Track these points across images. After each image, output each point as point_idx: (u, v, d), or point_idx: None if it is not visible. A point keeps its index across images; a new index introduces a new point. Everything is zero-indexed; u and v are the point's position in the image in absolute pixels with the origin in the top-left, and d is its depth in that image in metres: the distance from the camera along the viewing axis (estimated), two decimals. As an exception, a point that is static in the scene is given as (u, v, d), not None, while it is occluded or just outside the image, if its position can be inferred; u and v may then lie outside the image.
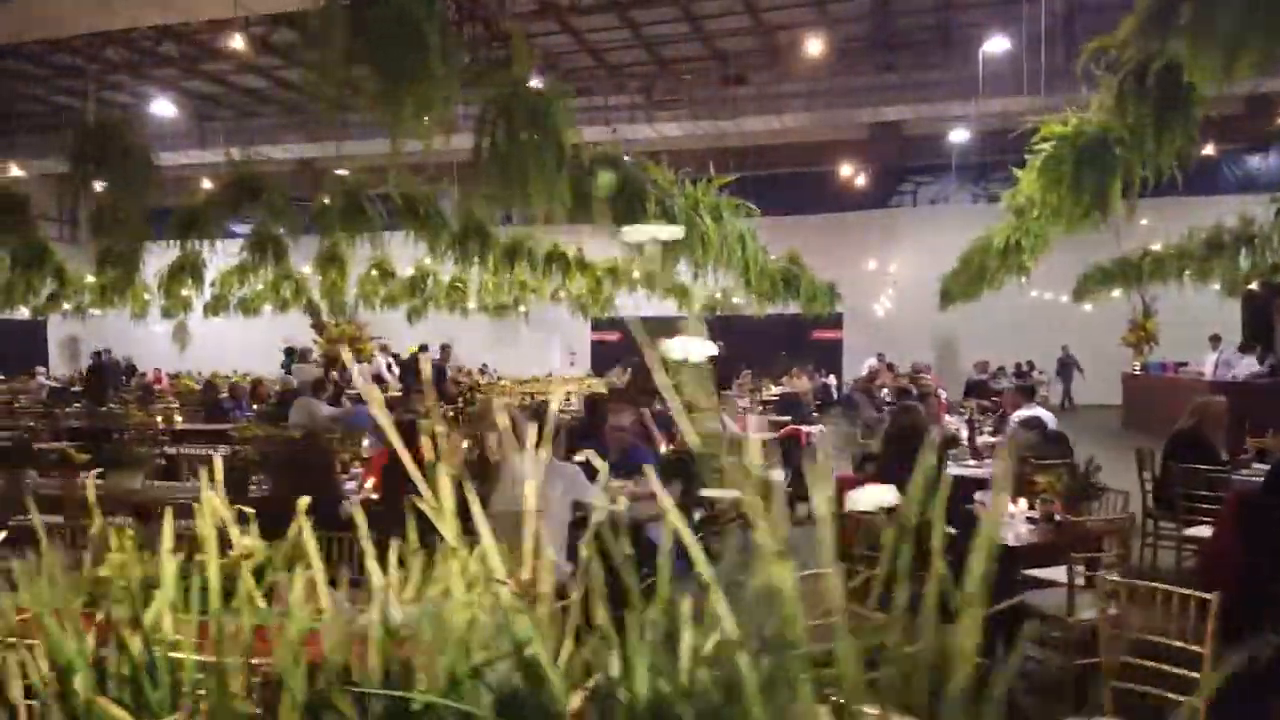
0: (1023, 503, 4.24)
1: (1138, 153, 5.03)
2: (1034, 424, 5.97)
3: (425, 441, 1.34)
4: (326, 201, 9.29)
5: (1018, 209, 9.43)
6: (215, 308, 19.50)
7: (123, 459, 5.47)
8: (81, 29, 14.55)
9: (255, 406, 11.21)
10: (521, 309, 20.01)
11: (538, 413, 7.14)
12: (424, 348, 15.45)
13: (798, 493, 8.67)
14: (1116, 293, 16.15)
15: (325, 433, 7.96)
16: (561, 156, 5.02)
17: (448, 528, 1.31)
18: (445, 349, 17.09)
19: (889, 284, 23.13)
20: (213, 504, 1.43)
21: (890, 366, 18.16)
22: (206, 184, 9.36)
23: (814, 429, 8.69)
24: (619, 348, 22.63)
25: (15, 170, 13.38)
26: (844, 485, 5.01)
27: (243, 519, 1.53)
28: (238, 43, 13.36)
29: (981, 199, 23.59)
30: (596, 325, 24.46)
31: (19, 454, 5.54)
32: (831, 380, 19.53)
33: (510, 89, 4.54)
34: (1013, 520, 4.08)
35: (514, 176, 4.69)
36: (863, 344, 22.96)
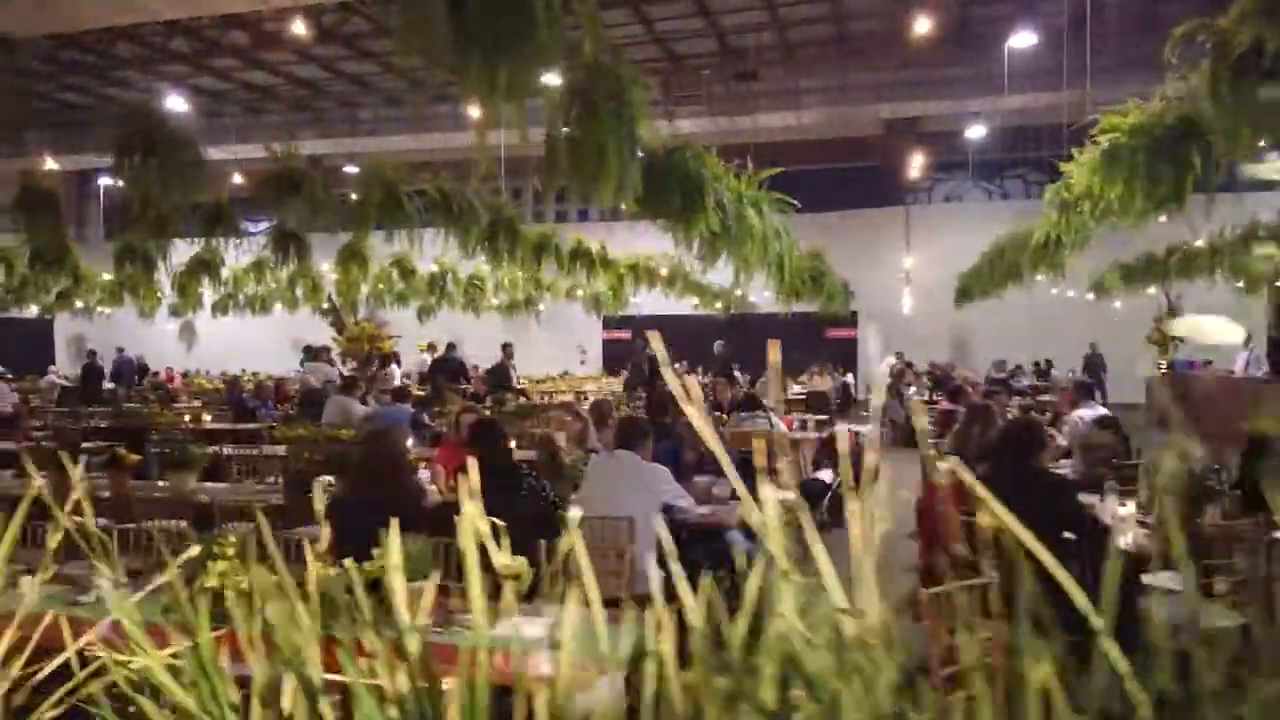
0: (1131, 505, 4.08)
1: (1231, 140, 4.86)
2: (1109, 423, 5.80)
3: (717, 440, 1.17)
4: (354, 196, 9.12)
5: (1062, 203, 9.30)
6: (224, 305, 19.32)
7: (176, 459, 5.28)
8: (96, 23, 14.33)
9: (281, 406, 11.03)
10: (541, 306, 19.83)
11: (600, 411, 6.98)
12: (452, 346, 15.25)
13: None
14: (1152, 289, 15.98)
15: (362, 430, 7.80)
16: (634, 146, 4.85)
17: (775, 545, 1.14)
18: (507, 347, 15.99)
19: (903, 282, 22.99)
20: (473, 518, 1.25)
21: (909, 365, 18.03)
22: (237, 179, 9.19)
23: (863, 429, 8.50)
24: (630, 346, 22.44)
25: (51, 163, 13.15)
26: (938, 490, 4.83)
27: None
28: (298, 28, 13.18)
29: (997, 196, 23.48)
30: (608, 324, 24.29)
31: (67, 453, 5.33)
32: (849, 379, 19.38)
33: (589, 71, 4.36)
34: (1124, 523, 3.91)
35: (588, 165, 4.51)
36: (877, 342, 22.83)
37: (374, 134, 22.10)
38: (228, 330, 23.52)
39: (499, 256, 10.47)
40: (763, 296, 18.14)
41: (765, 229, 9.18)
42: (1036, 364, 19.64)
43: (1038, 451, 3.81)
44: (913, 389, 14.54)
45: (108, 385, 19.27)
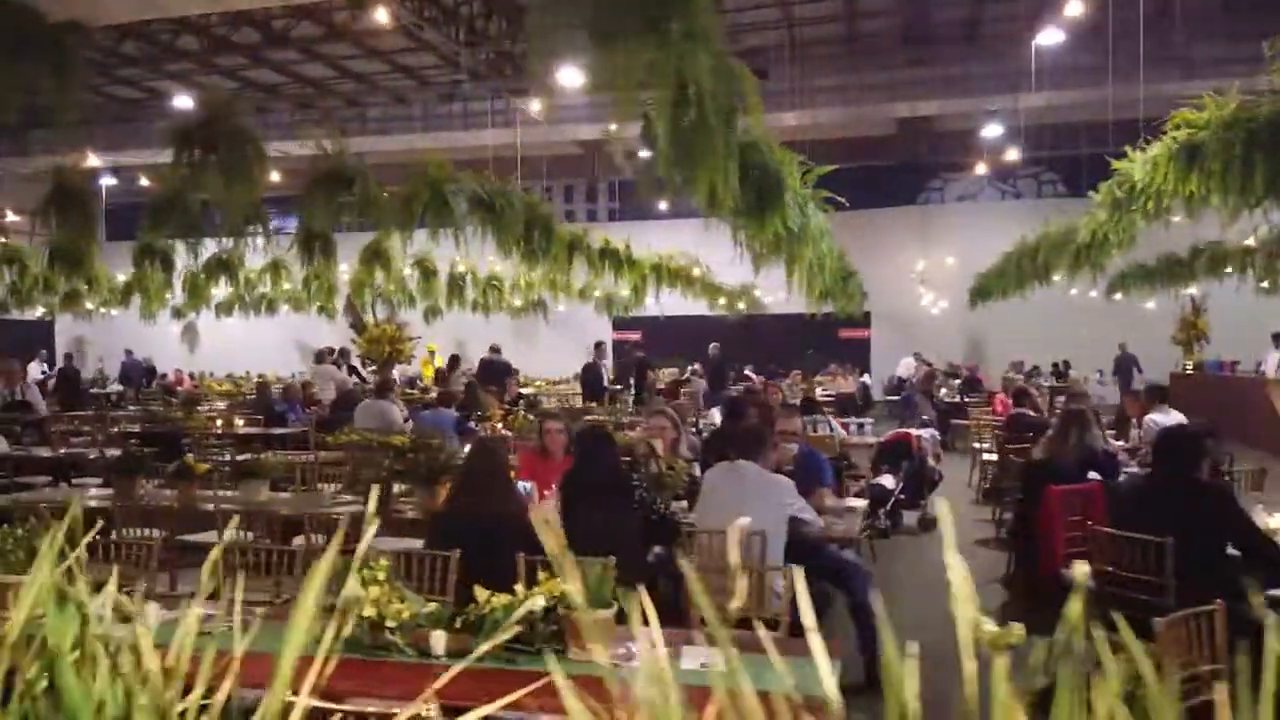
0: (1278, 516, 3.88)
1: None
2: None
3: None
4: (386, 195, 8.91)
5: (1115, 201, 9.13)
6: (229, 306, 19.06)
7: (249, 468, 5.03)
8: (114, 19, 14.02)
9: (309, 409, 10.77)
10: (561, 307, 19.59)
11: (682, 415, 6.75)
12: (496, 349, 14.98)
13: (911, 500, 8.25)
14: (1190, 290, 15.84)
15: (399, 434, 7.58)
16: (732, 139, 4.64)
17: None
18: (599, 347, 15.17)
19: (917, 281, 22.84)
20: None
21: (930, 366, 17.87)
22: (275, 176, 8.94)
23: (924, 433, 8.31)
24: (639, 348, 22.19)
25: (93, 159, 12.85)
26: (1079, 497, 4.63)
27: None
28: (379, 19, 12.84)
29: (1010, 196, 23.36)
30: (618, 324, 24.06)
31: (130, 462, 5.10)
32: (867, 379, 19.19)
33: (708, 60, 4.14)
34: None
35: (696, 157, 4.30)
36: (891, 342, 22.67)
37: (383, 133, 21.85)
38: (229, 331, 23.19)
39: (534, 255, 10.28)
40: (777, 297, 17.94)
41: (814, 229, 9.05)
42: (1055, 365, 19.49)
43: (1199, 461, 3.62)
44: (944, 391, 14.38)
45: (116, 387, 18.96)
